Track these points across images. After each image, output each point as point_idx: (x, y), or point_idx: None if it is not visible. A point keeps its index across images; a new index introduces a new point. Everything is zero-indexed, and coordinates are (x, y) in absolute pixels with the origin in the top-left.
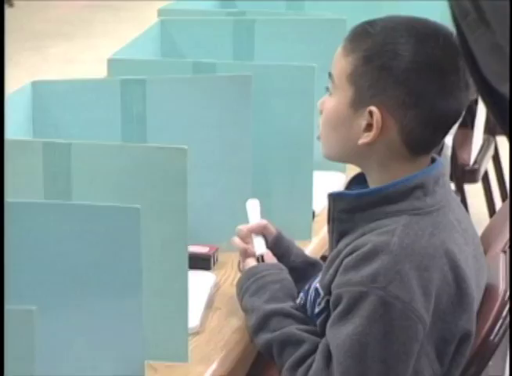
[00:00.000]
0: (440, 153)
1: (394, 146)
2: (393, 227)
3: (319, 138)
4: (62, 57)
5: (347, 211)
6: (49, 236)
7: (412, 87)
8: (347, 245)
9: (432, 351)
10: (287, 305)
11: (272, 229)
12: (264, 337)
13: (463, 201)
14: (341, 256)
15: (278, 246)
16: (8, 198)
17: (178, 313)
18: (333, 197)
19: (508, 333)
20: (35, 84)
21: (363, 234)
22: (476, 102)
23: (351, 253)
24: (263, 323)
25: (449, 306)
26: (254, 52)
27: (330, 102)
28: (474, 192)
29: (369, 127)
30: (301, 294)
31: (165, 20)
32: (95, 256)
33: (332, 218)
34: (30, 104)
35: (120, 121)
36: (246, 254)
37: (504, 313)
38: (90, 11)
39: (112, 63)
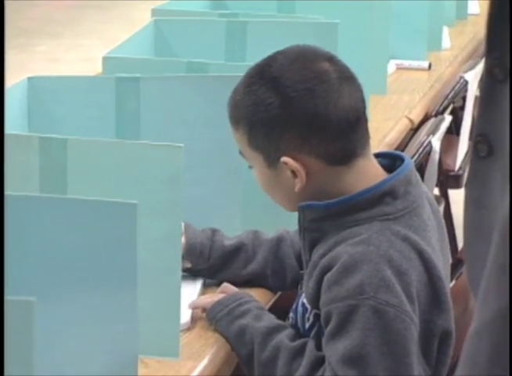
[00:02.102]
0: (428, 157)
1: (326, 171)
2: (366, 236)
3: None
4: (48, 56)
5: (316, 220)
6: (45, 229)
7: (297, 121)
8: (322, 256)
9: (419, 352)
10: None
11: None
12: (278, 339)
13: (447, 206)
14: (319, 269)
15: (190, 254)
16: (4, 191)
17: (170, 309)
18: (302, 208)
19: None
20: (31, 80)
21: (336, 243)
22: (462, 108)
23: (329, 267)
24: (279, 328)
25: (428, 306)
26: (246, 54)
27: (255, 173)
28: (457, 197)
29: (294, 173)
30: (291, 314)
31: (159, 20)
32: (91, 250)
33: (303, 228)
34: (25, 100)
35: (114, 118)
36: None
37: None
38: (77, 10)
39: (107, 60)
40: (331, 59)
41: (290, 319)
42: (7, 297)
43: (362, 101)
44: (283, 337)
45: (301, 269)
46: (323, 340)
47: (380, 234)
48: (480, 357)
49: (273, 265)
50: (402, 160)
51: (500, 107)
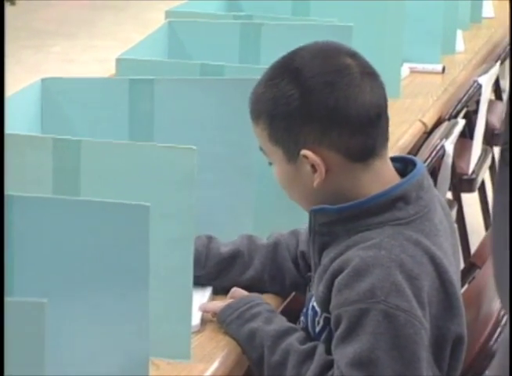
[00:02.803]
0: (441, 161)
1: (344, 168)
2: (378, 240)
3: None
4: (62, 56)
5: (327, 224)
6: (58, 231)
7: (318, 114)
8: (333, 260)
9: (430, 357)
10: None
11: None
12: (288, 342)
13: (460, 210)
14: (330, 272)
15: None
16: (17, 193)
17: (182, 311)
18: (314, 212)
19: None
20: (45, 82)
21: (347, 247)
22: (475, 112)
23: (340, 271)
24: (289, 331)
25: (440, 311)
26: (260, 56)
27: (274, 169)
28: (470, 201)
29: (314, 168)
30: (302, 318)
31: (173, 22)
32: (103, 252)
33: (313, 231)
34: (39, 101)
35: (127, 120)
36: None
37: (503, 321)
38: (91, 11)
39: (121, 62)
40: (354, 54)
41: (301, 323)
42: (18, 298)
43: (384, 98)
44: (293, 340)
45: (298, 271)
46: (333, 343)
47: (391, 239)
48: None
49: (271, 270)
50: (414, 164)
51: None
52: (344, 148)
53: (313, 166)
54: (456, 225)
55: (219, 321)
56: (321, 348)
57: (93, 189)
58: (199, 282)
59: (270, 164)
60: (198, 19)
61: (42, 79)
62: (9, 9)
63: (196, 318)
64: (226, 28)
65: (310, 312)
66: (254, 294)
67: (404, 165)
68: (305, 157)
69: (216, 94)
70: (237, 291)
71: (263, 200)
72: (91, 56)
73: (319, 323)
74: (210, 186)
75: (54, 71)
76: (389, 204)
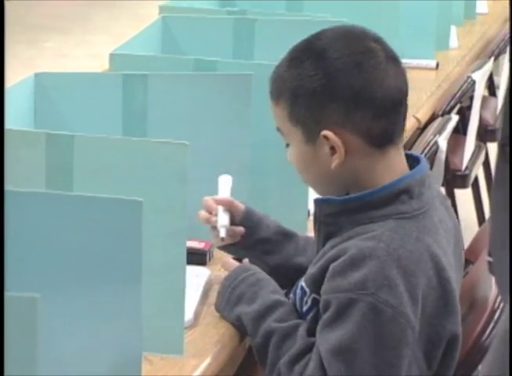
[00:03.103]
0: (434, 156)
1: (363, 153)
2: (379, 232)
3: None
4: (57, 51)
5: (332, 214)
6: (51, 226)
7: (343, 95)
8: (333, 247)
9: (421, 355)
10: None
11: (240, 206)
12: (267, 324)
13: (453, 206)
14: (326, 257)
15: (248, 220)
16: (10, 188)
17: (175, 307)
18: (319, 202)
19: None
20: (38, 76)
21: (349, 238)
22: (469, 108)
23: (336, 258)
24: (269, 311)
25: (435, 310)
26: (253, 52)
27: (291, 150)
28: (464, 197)
29: (333, 150)
30: (291, 295)
31: (166, 17)
32: (96, 247)
33: (318, 221)
34: (32, 96)
35: (121, 115)
36: (209, 222)
37: (496, 317)
38: (86, 6)
39: (114, 57)
40: (378, 39)
41: (290, 301)
42: (11, 293)
43: (406, 85)
44: (272, 321)
45: None
46: (318, 326)
47: (393, 232)
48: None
49: None
50: (417, 161)
51: None
52: (365, 131)
53: (332, 148)
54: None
55: (218, 311)
56: (302, 329)
57: (86, 184)
58: (255, 252)
59: (287, 145)
60: (192, 15)
61: (36, 74)
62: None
63: (189, 313)
64: (220, 23)
65: (299, 291)
66: (240, 267)
67: (409, 162)
68: (325, 137)
69: (209, 89)
70: (227, 263)
71: (255, 196)
72: (85, 51)
73: (306, 302)
74: (204, 181)
75: (48, 66)
76: (393, 197)
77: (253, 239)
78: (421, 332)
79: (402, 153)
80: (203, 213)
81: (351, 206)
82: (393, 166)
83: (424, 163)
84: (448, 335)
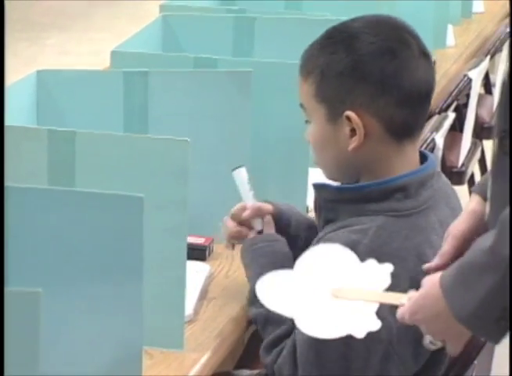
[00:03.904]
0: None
1: (381, 138)
2: (367, 226)
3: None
4: (58, 49)
5: (331, 201)
6: (53, 221)
7: (372, 78)
8: (326, 234)
9: (407, 351)
10: None
11: (267, 208)
12: (253, 310)
13: None
14: (316, 244)
15: (278, 221)
16: (12, 184)
17: (175, 302)
18: (317, 187)
19: None
20: (40, 73)
21: (342, 227)
22: (465, 106)
23: None
24: (254, 297)
25: None
26: (253, 49)
27: (311, 128)
28: (460, 194)
29: (352, 132)
30: None
31: (167, 16)
32: (97, 243)
33: (319, 207)
34: (34, 93)
35: (122, 112)
36: (240, 235)
37: None
38: (87, 4)
39: (115, 55)
40: (415, 33)
41: None
42: (13, 288)
43: (434, 82)
44: (259, 305)
45: None
46: None
47: (381, 228)
48: None
49: None
50: (425, 158)
51: None
52: (387, 117)
53: (352, 130)
54: None
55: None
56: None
57: (88, 180)
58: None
59: (306, 122)
60: (192, 13)
61: (38, 71)
62: (6, 2)
63: (189, 308)
64: (220, 22)
65: None
66: (247, 244)
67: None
68: (348, 118)
69: (209, 86)
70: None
71: (256, 192)
72: (87, 48)
73: None
74: (204, 177)
75: (50, 63)
76: (388, 193)
77: (284, 237)
78: (407, 329)
79: (417, 150)
80: (231, 224)
81: (347, 196)
82: (406, 161)
83: (431, 163)
84: None
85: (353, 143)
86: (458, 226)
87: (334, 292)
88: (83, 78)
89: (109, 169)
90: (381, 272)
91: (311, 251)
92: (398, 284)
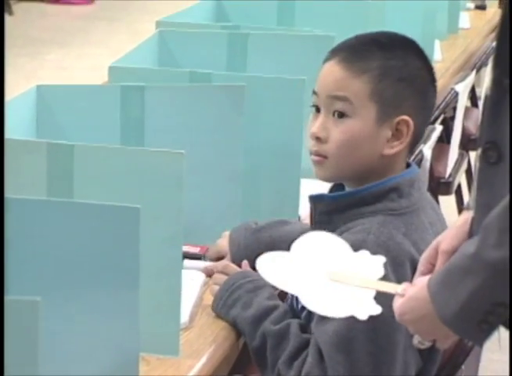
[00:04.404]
0: (419, 165)
1: (407, 147)
2: (368, 226)
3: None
4: (57, 64)
5: (326, 212)
6: (52, 232)
7: (423, 92)
8: None
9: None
10: (285, 304)
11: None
12: (263, 328)
13: None
14: None
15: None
16: (12, 195)
17: (171, 309)
18: (313, 200)
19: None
20: (40, 88)
21: (341, 233)
22: (452, 118)
23: None
24: (264, 315)
25: None
26: (246, 65)
27: (352, 124)
28: (446, 203)
29: (393, 137)
30: (289, 294)
31: (163, 32)
32: (95, 252)
33: (314, 221)
34: (34, 107)
35: (119, 125)
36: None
37: None
38: (85, 20)
39: (113, 70)
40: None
41: (289, 300)
42: (13, 296)
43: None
44: (268, 323)
45: None
46: (314, 319)
47: (381, 226)
48: None
49: None
50: (408, 166)
51: (508, 115)
52: (418, 131)
53: (393, 135)
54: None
55: (213, 311)
56: (294, 327)
57: (86, 191)
58: None
59: (340, 115)
60: (187, 29)
61: (37, 86)
62: (7, 19)
63: (184, 315)
64: (214, 37)
65: None
66: (240, 272)
67: None
68: (404, 123)
69: (204, 100)
70: (229, 266)
71: (248, 202)
72: (85, 63)
73: None
74: (199, 189)
75: (49, 78)
76: (383, 194)
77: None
78: None
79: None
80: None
81: (343, 203)
82: (398, 165)
83: (414, 168)
84: None
85: (394, 148)
86: (451, 242)
87: (331, 275)
88: (81, 93)
89: (106, 181)
90: (374, 262)
91: (307, 236)
92: (404, 274)
